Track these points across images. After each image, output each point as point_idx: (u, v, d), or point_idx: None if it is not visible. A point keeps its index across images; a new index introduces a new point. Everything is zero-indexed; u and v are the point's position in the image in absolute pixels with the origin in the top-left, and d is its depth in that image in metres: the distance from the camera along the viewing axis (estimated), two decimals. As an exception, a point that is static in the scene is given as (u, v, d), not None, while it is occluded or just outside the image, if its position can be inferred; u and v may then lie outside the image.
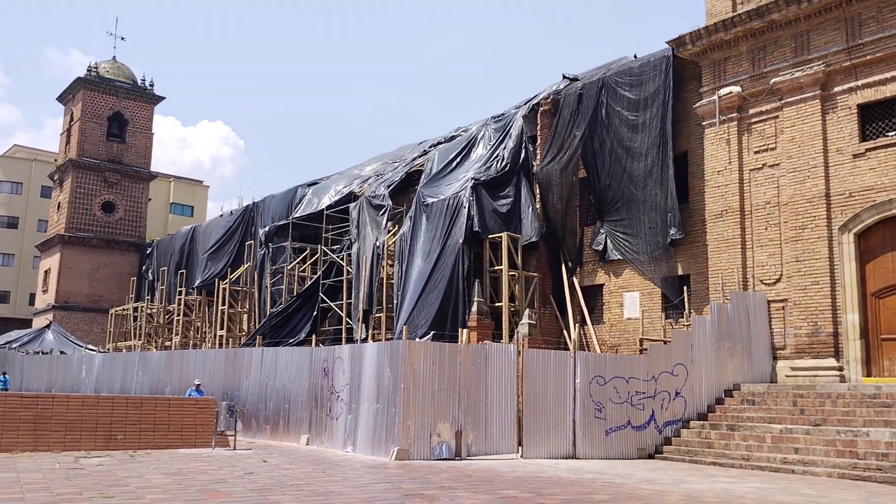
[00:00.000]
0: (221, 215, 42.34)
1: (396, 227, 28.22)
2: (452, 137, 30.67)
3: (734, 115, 20.24)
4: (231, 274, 37.29)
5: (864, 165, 17.79)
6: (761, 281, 19.25)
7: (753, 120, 19.98)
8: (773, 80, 19.41)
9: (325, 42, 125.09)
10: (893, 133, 17.51)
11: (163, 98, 52.13)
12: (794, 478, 14.07)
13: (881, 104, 17.83)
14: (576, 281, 24.32)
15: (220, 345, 35.01)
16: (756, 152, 19.84)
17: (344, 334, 28.39)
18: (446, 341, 18.66)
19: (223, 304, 36.24)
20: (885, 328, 17.29)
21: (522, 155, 25.88)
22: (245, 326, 36.40)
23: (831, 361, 17.66)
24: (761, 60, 19.93)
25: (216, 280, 38.05)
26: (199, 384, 21.80)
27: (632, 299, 22.84)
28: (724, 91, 20.31)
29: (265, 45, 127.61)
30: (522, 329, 21.11)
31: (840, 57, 18.34)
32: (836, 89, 18.47)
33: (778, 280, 18.94)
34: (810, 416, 15.81)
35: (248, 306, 36.76)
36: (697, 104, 21.12)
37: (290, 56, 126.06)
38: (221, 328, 36.03)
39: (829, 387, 16.62)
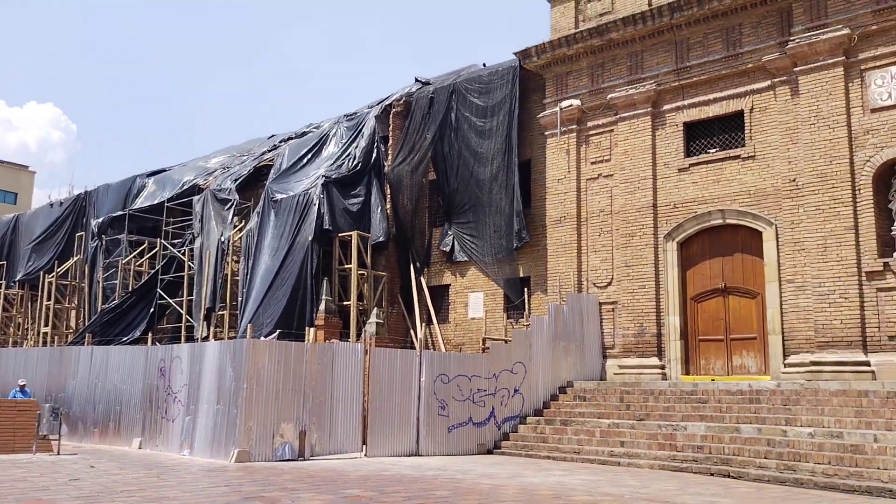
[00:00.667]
0: (50, 204, 39.32)
1: (243, 223, 27.46)
2: (304, 133, 30.24)
3: (574, 126, 21.35)
4: (58, 267, 34.80)
5: (687, 179, 19.30)
6: (594, 284, 20.43)
7: (591, 132, 21.16)
8: (609, 96, 20.65)
9: (169, 27, 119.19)
10: (714, 150, 19.11)
11: (-17, 74, 47.85)
12: (619, 470, 15.04)
13: (704, 123, 19.42)
14: (423, 281, 24.73)
15: (45, 343, 32.58)
16: (593, 163, 21.03)
17: (184, 332, 27.26)
18: (293, 340, 18.42)
19: (48, 300, 33.75)
20: (702, 330, 18.87)
21: (374, 155, 25.98)
22: (73, 323, 34.08)
23: (655, 360, 19.04)
24: (600, 76, 21.15)
25: (41, 273, 35.36)
26: (24, 384, 20.20)
27: (476, 299, 23.53)
28: (565, 103, 21.37)
29: (101, 23, 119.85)
30: (370, 328, 21.21)
31: (670, 77, 19.80)
32: (666, 107, 19.92)
33: (609, 283, 20.18)
34: (635, 412, 16.97)
35: (77, 302, 34.45)
36: (541, 115, 22.08)
37: (131, 38, 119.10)
38: (46, 325, 33.54)
39: (653, 384, 17.92)
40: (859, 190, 16.38)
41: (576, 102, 21.20)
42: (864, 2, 16.65)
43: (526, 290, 22.02)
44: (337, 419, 16.62)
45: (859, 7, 16.70)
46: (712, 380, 17.72)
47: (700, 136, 19.51)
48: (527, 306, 21.71)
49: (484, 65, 25.47)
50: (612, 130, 20.78)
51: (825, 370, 16.02)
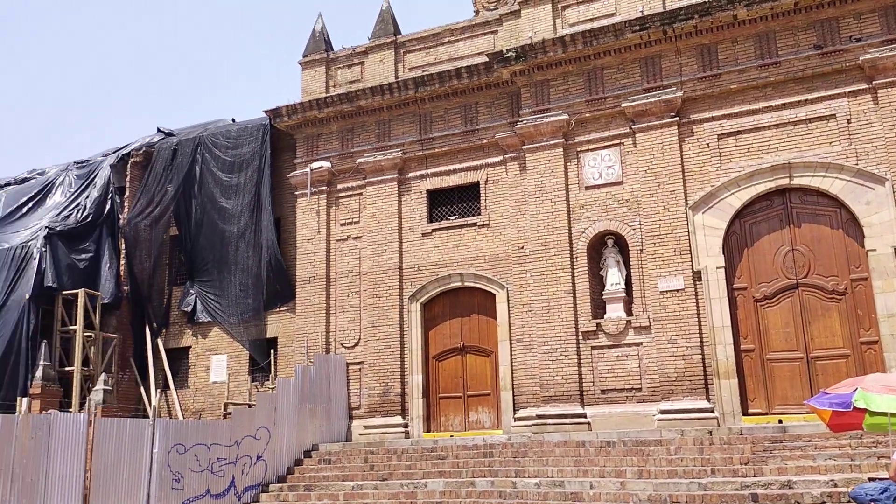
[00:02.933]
0: None
1: (-56, 278, 24.03)
2: (25, 179, 27.38)
3: (324, 188, 21.61)
4: None
5: (430, 243, 20.28)
6: (342, 344, 20.56)
7: (341, 194, 21.55)
8: (358, 160, 21.24)
9: None
10: (454, 217, 20.32)
11: None
12: (362, 531, 15.02)
13: (445, 192, 20.61)
14: (160, 343, 23.21)
15: None
16: (342, 224, 21.37)
17: None
18: (3, 413, 16.29)
19: None
20: (442, 387, 19.67)
21: (108, 206, 24.21)
22: None
23: (398, 419, 19.46)
24: (349, 141, 21.70)
25: None
26: None
27: (219, 362, 22.55)
28: (315, 165, 21.60)
29: None
30: (96, 396, 19.39)
31: (414, 147, 20.84)
32: (411, 175, 20.88)
33: (356, 343, 20.41)
34: (379, 472, 17.11)
35: None
36: (291, 174, 22.09)
37: None
38: None
39: (396, 443, 18.24)
40: (576, 258, 18.26)
41: (326, 164, 21.50)
42: (579, 92, 18.86)
43: (273, 351, 21.55)
44: (52, 500, 14.87)
45: (575, 96, 18.88)
46: (451, 436, 18.46)
47: (442, 203, 20.65)
48: (273, 368, 21.22)
49: (233, 120, 25.03)
50: (361, 193, 21.31)
51: (549, 423, 17.39)
